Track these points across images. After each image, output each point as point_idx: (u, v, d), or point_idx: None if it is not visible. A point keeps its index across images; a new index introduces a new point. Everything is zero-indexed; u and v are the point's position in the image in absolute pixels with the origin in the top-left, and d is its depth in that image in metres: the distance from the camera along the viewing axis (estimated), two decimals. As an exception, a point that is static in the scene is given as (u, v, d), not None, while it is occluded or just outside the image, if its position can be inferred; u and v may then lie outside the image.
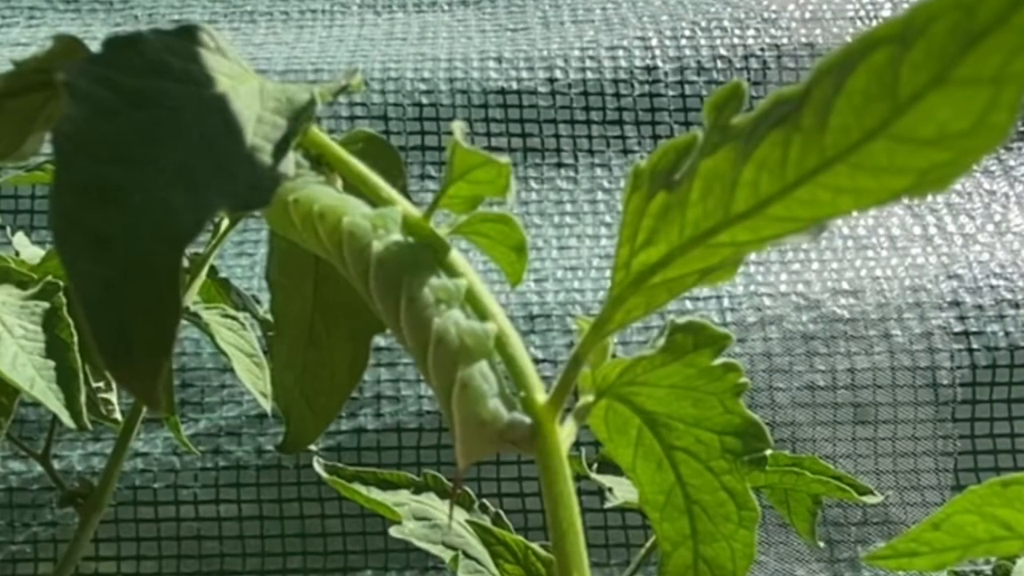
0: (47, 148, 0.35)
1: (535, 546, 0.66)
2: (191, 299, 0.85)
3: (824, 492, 0.84)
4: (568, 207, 1.59)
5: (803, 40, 1.72)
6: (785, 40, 1.72)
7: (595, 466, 0.86)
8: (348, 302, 0.48)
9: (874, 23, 1.69)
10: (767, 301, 1.46)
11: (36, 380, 0.69)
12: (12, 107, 0.40)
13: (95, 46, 0.35)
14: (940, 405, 1.42)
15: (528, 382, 0.37)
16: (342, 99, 1.57)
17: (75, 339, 0.71)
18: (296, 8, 1.82)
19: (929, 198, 1.50)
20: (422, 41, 1.73)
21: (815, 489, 0.84)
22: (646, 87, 1.67)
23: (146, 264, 0.29)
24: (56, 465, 0.91)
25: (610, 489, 0.83)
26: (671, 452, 0.44)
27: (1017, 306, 1.44)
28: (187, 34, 0.37)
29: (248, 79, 0.37)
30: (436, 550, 0.67)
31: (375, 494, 0.69)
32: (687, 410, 0.42)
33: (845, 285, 1.47)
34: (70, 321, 0.72)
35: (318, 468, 0.71)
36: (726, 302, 1.45)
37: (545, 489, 0.36)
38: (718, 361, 0.41)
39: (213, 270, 0.88)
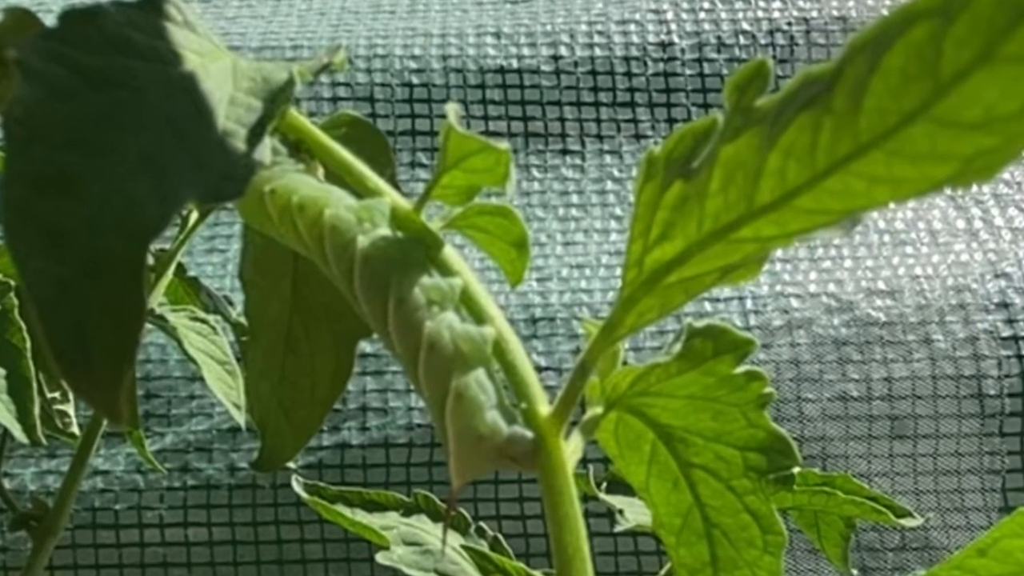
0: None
1: (538, 574, 0.66)
2: (156, 300, 0.85)
3: (858, 514, 0.84)
4: (574, 198, 1.59)
5: (834, 13, 1.72)
6: (815, 13, 1.72)
7: (604, 485, 0.86)
8: (330, 303, 0.48)
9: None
10: (795, 303, 1.46)
11: (-15, 390, 0.69)
12: (-42, 88, 0.40)
13: (50, 20, 0.35)
14: (986, 418, 1.43)
15: (530, 392, 0.37)
16: (324, 78, 1.57)
17: (28, 345, 0.71)
18: (273, -22, 1.82)
19: (974, 188, 1.50)
20: (412, 14, 1.73)
21: (848, 511, 0.84)
22: (660, 65, 1.67)
23: (106, 261, 0.29)
24: (7, 484, 0.91)
25: (620, 511, 0.83)
26: (688, 470, 0.44)
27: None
28: (152, 7, 0.37)
29: (220, 56, 0.37)
30: (428, 579, 0.67)
31: (360, 516, 0.69)
32: (706, 423, 0.42)
33: (881, 285, 1.47)
34: (22, 325, 0.72)
35: (297, 488, 0.71)
36: (749, 304, 1.45)
37: (549, 511, 0.36)
38: (740, 369, 0.41)
39: (181, 268, 0.88)
